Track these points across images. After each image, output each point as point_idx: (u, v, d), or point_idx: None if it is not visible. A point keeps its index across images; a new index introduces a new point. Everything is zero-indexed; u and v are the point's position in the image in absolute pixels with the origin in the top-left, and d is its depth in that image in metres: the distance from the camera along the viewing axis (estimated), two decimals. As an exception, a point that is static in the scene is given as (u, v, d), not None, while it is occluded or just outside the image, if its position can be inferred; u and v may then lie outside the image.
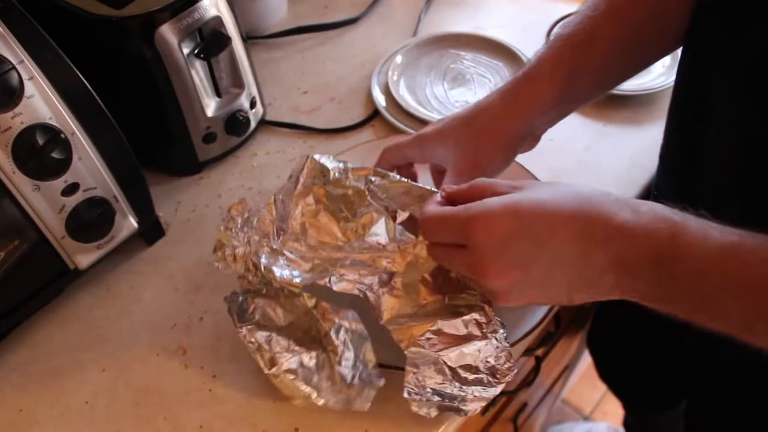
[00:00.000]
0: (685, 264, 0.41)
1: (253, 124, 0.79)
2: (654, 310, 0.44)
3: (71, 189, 0.57)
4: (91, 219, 0.60)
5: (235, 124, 0.76)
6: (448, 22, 0.96)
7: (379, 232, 0.55)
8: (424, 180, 0.65)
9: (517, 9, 0.97)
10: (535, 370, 0.80)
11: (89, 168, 0.58)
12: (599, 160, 0.76)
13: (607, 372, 1.12)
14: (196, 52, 0.68)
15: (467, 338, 0.49)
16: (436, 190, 0.53)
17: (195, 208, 0.75)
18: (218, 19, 0.68)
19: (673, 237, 0.41)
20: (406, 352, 0.49)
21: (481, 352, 0.49)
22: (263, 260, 0.53)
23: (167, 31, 0.65)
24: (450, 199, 0.50)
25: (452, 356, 0.49)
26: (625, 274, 0.43)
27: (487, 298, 0.50)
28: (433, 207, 0.49)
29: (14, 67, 0.51)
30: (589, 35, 0.56)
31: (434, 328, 0.49)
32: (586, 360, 1.23)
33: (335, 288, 0.51)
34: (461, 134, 0.58)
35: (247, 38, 0.78)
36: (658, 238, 0.41)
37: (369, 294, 0.51)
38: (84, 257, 0.62)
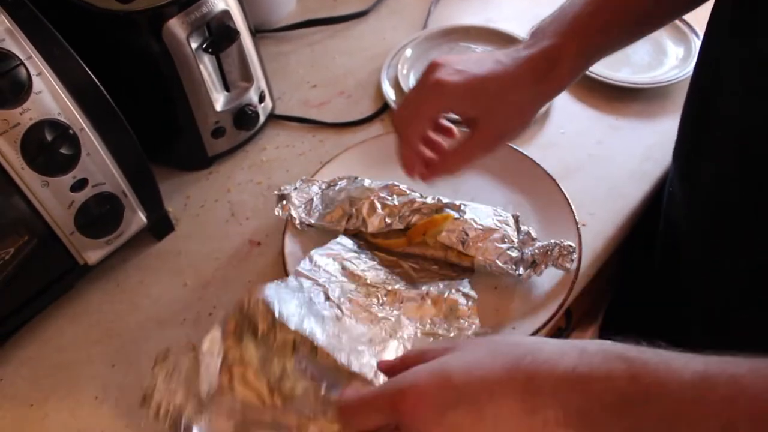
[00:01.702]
0: (653, 406, 0.36)
1: (262, 119, 0.79)
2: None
3: (80, 185, 0.57)
4: (100, 214, 0.60)
5: (244, 118, 0.75)
6: (458, 15, 0.95)
7: (305, 401, 0.51)
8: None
9: (527, 1, 0.96)
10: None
11: (98, 163, 0.58)
12: (611, 153, 0.75)
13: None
14: (204, 46, 0.68)
15: None
16: (367, 377, 0.50)
17: (204, 203, 0.75)
18: (227, 13, 0.68)
19: (633, 377, 0.37)
20: None
21: None
22: (184, 420, 0.51)
23: (175, 26, 0.64)
24: (386, 373, 0.46)
25: None
26: (584, 425, 0.38)
27: None
28: (353, 391, 0.45)
29: (22, 63, 0.51)
30: (605, 20, 0.58)
31: None
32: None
33: None
34: (492, 106, 0.58)
35: (256, 32, 0.78)
36: (616, 380, 0.37)
37: None
38: (93, 253, 0.62)
